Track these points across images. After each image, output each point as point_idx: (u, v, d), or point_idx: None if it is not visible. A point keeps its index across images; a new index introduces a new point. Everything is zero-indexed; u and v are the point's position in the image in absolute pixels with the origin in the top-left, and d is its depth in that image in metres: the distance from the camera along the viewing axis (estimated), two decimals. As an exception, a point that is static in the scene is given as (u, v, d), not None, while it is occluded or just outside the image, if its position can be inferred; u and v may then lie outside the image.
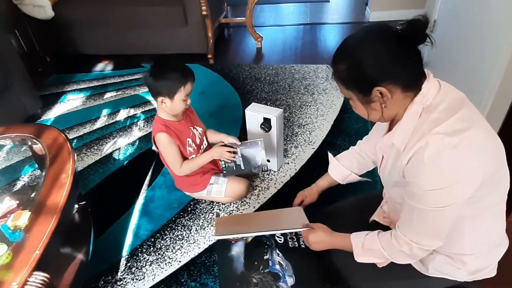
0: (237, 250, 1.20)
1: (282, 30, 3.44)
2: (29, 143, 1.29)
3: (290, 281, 1.11)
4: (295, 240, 1.20)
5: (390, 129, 0.97)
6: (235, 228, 1.17)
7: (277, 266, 1.13)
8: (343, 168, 1.26)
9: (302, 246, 1.16)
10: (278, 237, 1.20)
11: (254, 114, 1.60)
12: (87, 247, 1.24)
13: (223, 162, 1.52)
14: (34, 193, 1.05)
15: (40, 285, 0.81)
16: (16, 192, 1.11)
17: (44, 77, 2.71)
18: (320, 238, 1.07)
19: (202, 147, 1.56)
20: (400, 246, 0.90)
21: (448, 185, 0.77)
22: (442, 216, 0.81)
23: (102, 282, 1.30)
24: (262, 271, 1.12)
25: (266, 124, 1.59)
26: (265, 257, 1.15)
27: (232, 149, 1.47)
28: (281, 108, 1.61)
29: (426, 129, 0.79)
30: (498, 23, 1.49)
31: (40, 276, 0.82)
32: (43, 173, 1.09)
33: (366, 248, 0.98)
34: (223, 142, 1.50)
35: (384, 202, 1.17)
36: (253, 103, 1.67)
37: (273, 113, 1.56)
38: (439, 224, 0.84)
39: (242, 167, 1.52)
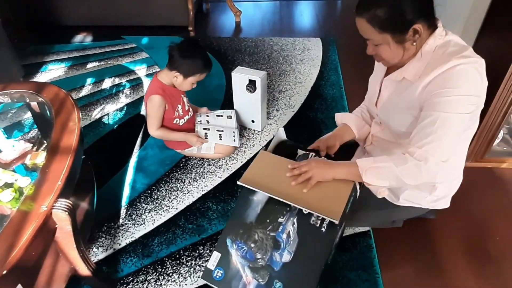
0: (260, 197, 1.10)
1: (259, 6, 3.53)
2: (27, 99, 1.36)
3: (286, 257, 1.02)
4: (319, 218, 1.04)
5: (389, 70, 1.09)
6: (265, 182, 1.08)
7: (284, 236, 1.04)
8: (356, 118, 1.28)
9: (323, 229, 1.03)
10: None
11: (240, 76, 1.72)
12: (91, 196, 1.34)
13: (204, 133, 1.69)
14: (46, 139, 1.13)
15: (65, 209, 0.91)
16: (26, 139, 1.19)
17: (22, 48, 2.67)
18: (322, 163, 1.07)
19: (189, 114, 1.70)
20: (413, 159, 0.93)
21: (473, 94, 0.89)
22: (460, 123, 0.91)
23: (106, 228, 1.41)
24: (268, 232, 1.05)
25: (251, 85, 1.72)
26: (280, 219, 1.06)
27: (203, 140, 1.64)
28: (265, 71, 1.74)
29: (446, 58, 0.90)
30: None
31: (65, 202, 0.92)
32: (50, 122, 1.17)
33: (376, 165, 0.99)
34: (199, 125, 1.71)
35: (368, 143, 1.28)
36: (238, 67, 1.79)
37: (258, 75, 1.69)
38: (455, 134, 0.92)
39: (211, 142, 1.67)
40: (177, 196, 1.54)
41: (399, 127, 1.09)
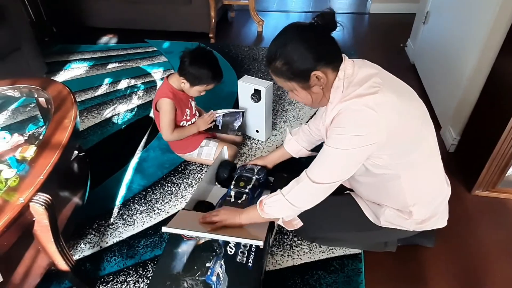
0: (185, 248, 1.11)
1: (285, 16, 3.54)
2: (36, 95, 1.42)
3: None
4: (245, 255, 1.10)
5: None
6: (190, 225, 1.14)
7: (214, 278, 1.05)
8: (295, 143, 1.43)
9: (250, 264, 1.08)
10: (230, 247, 1.11)
11: (246, 85, 1.72)
12: (83, 192, 1.37)
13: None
14: (41, 134, 1.17)
15: (43, 204, 0.93)
16: (24, 133, 1.24)
17: (51, 46, 2.82)
18: (230, 210, 1.19)
19: (196, 117, 1.72)
20: (298, 184, 1.02)
21: (359, 134, 0.92)
22: (340, 156, 0.97)
23: (96, 225, 1.43)
24: (197, 278, 1.05)
25: (256, 95, 1.71)
26: (207, 264, 1.07)
27: (212, 121, 1.70)
28: (271, 81, 1.72)
29: (339, 99, 0.98)
30: (480, 18, 1.59)
31: (43, 197, 0.94)
32: (49, 118, 1.21)
33: (270, 199, 1.08)
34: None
35: None
36: (245, 76, 1.79)
37: (263, 85, 1.68)
38: (335, 163, 0.99)
39: (220, 128, 1.73)
40: (170, 200, 1.54)
41: None
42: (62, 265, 1.10)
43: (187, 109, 1.63)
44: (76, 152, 1.37)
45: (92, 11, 2.98)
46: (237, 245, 1.12)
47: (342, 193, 1.25)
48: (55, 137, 1.12)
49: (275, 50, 0.98)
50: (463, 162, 1.65)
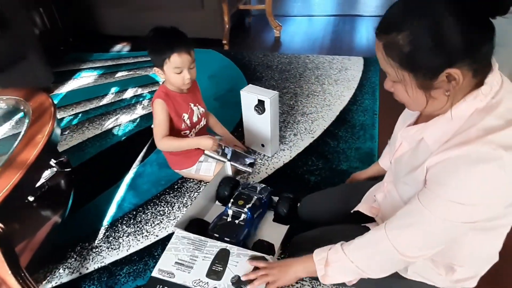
0: None
1: (306, 21, 3.38)
2: (22, 107, 1.33)
3: None
4: None
5: (418, 120, 0.84)
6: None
7: None
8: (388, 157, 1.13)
9: None
10: None
11: (249, 95, 1.56)
12: (63, 211, 1.26)
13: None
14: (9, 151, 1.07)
15: (-10, 234, 0.82)
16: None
17: (64, 55, 2.81)
18: (278, 263, 0.96)
19: (197, 126, 1.55)
20: (379, 249, 0.78)
21: (478, 203, 0.65)
22: (450, 230, 0.70)
23: (79, 248, 1.32)
24: None
25: (260, 106, 1.55)
26: None
27: (220, 145, 1.47)
28: (277, 91, 1.56)
29: (474, 135, 0.63)
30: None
31: (-7, 226, 0.83)
32: (22, 134, 1.11)
33: (331, 265, 0.85)
34: (221, 138, 1.57)
35: (379, 191, 1.05)
36: (249, 85, 1.63)
37: (268, 95, 1.51)
38: (440, 237, 0.72)
39: (228, 158, 1.46)
40: (161, 221, 1.40)
41: (402, 193, 0.86)
42: (25, 299, 0.98)
43: (184, 114, 1.47)
44: (54, 169, 1.26)
45: (107, 19, 2.95)
46: None
47: (358, 225, 1.04)
48: (22, 155, 1.01)
49: (404, 15, 0.63)
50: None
